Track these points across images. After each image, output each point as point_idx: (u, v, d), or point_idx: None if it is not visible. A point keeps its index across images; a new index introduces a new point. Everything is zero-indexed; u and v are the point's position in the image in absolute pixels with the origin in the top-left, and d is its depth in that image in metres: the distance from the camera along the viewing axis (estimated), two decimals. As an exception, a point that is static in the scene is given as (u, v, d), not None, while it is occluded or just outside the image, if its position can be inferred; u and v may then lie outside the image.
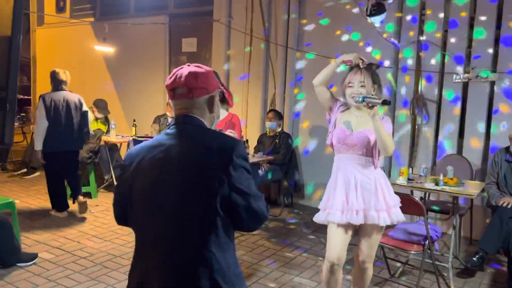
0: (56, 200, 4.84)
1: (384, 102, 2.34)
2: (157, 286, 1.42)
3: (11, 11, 1.11)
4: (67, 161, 4.77)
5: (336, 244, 2.57)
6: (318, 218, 2.65)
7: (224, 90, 3.25)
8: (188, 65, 1.54)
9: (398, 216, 2.56)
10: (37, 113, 4.58)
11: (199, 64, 1.56)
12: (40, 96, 4.64)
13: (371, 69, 2.57)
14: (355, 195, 2.52)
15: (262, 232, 4.61)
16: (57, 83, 4.71)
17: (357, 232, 2.67)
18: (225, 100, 3.16)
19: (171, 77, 1.52)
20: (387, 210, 2.53)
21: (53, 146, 4.60)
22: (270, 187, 5.89)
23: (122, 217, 1.61)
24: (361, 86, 2.52)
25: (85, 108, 4.86)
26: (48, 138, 4.57)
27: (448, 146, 4.70)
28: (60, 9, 8.30)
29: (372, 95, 2.46)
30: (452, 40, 4.62)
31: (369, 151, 2.56)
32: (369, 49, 5.05)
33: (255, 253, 4.04)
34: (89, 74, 7.92)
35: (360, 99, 2.43)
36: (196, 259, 1.39)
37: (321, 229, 4.59)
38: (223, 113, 3.05)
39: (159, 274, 1.42)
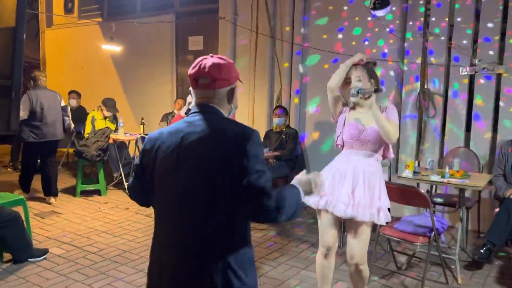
0: (26, 181, 5.32)
1: (376, 90, 2.44)
2: (171, 265, 1.50)
3: (15, 2, 1.15)
4: (48, 149, 5.21)
5: (331, 230, 2.62)
6: (315, 203, 2.59)
7: None
8: (212, 56, 1.58)
9: (388, 218, 2.54)
10: (21, 106, 4.96)
11: (222, 56, 1.60)
12: (25, 91, 5.08)
13: (368, 66, 2.62)
14: (363, 190, 2.51)
15: (269, 227, 4.64)
16: (38, 81, 5.16)
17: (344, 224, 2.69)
18: None
19: (194, 67, 1.56)
20: (383, 210, 2.51)
21: (39, 136, 5.04)
22: (278, 183, 5.91)
23: (139, 198, 1.69)
24: (358, 80, 2.58)
25: (63, 103, 5.34)
26: (34, 129, 5.01)
27: (456, 139, 4.68)
28: (68, 10, 8.41)
29: (364, 87, 2.52)
30: (458, 32, 4.60)
31: (380, 147, 2.59)
32: (373, 43, 5.05)
33: (263, 247, 4.07)
34: (97, 74, 8.02)
35: (355, 92, 2.52)
36: (210, 242, 1.45)
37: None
38: None
39: (174, 255, 1.50)
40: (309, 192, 1.61)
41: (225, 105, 1.60)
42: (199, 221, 1.45)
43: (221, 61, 1.55)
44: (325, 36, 5.41)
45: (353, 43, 5.17)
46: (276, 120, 5.42)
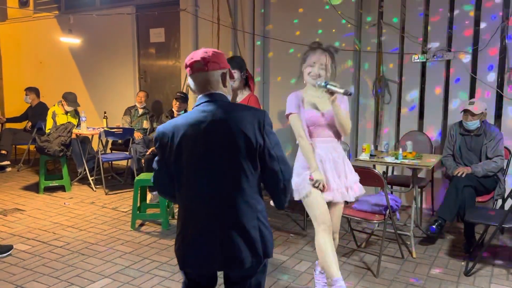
0: None
1: (346, 93, 2.48)
2: (218, 236, 1.74)
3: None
4: None
5: (325, 208, 2.69)
6: (301, 194, 2.72)
7: (248, 75, 3.65)
8: (203, 48, 1.84)
9: (361, 190, 2.83)
10: None
11: (212, 48, 1.86)
12: None
13: (331, 54, 2.69)
14: (332, 174, 2.71)
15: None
16: None
17: None
18: (248, 84, 3.43)
19: (188, 57, 1.82)
20: (352, 187, 2.77)
21: None
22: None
23: (167, 188, 1.85)
24: (322, 68, 2.65)
25: None
26: None
27: (410, 124, 4.93)
28: (23, 3, 8.14)
29: (332, 83, 2.55)
30: (410, 22, 4.83)
31: (336, 130, 2.74)
32: (329, 32, 5.22)
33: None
34: (57, 68, 7.85)
35: (323, 84, 2.55)
36: (246, 209, 1.74)
37: (291, 209, 4.77)
38: (242, 95, 3.41)
39: (217, 227, 1.73)
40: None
41: (222, 88, 1.82)
42: (235, 193, 1.72)
43: (210, 49, 1.82)
44: (283, 26, 5.53)
45: (309, 33, 5.32)
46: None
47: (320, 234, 2.68)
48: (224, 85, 1.83)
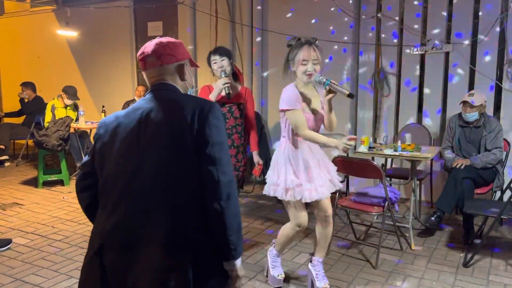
0: None
1: (350, 95, 2.44)
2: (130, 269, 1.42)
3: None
4: None
5: (304, 210, 2.79)
6: (307, 197, 2.68)
7: (236, 69, 3.56)
8: (158, 37, 1.61)
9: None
10: None
11: (168, 37, 1.62)
12: None
13: (318, 46, 2.64)
14: (317, 172, 2.71)
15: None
16: None
17: None
18: (237, 77, 3.44)
19: (141, 50, 1.60)
20: (335, 176, 2.84)
21: None
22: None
23: (87, 188, 1.60)
24: (315, 63, 2.59)
25: None
26: None
27: (409, 116, 4.92)
28: (20, -3, 8.08)
29: (334, 82, 2.52)
30: (409, 14, 4.81)
31: (317, 129, 2.77)
32: (328, 25, 5.19)
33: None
34: (54, 62, 7.81)
35: (325, 81, 2.51)
36: (184, 214, 1.41)
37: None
38: (235, 88, 3.34)
39: (142, 231, 1.41)
40: None
41: (178, 82, 1.60)
42: (165, 205, 1.41)
43: (165, 39, 1.59)
44: (280, 20, 5.50)
45: (308, 26, 5.30)
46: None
47: (294, 229, 2.83)
48: (182, 79, 1.60)
